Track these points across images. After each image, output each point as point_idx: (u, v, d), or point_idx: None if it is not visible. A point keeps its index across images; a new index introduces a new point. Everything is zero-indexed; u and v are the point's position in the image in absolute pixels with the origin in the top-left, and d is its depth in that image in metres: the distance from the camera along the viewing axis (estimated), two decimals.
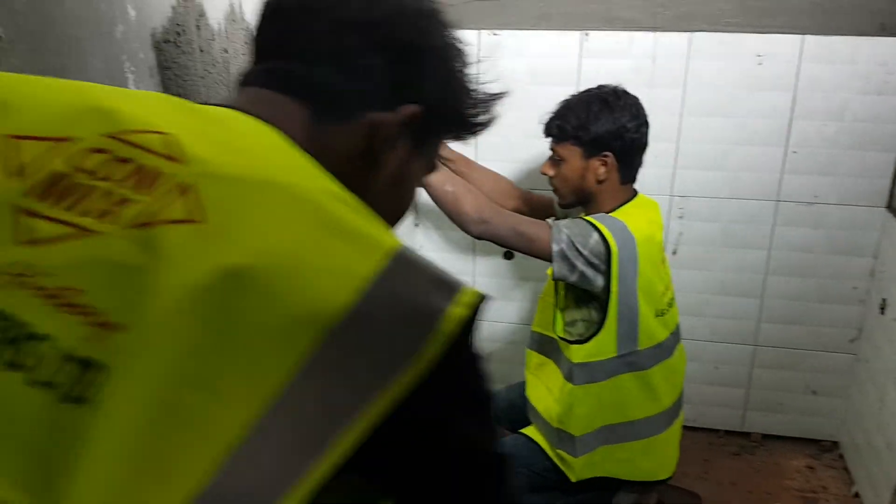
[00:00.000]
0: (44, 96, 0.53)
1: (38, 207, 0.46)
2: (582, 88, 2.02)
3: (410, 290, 0.47)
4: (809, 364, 2.29)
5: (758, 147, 2.10)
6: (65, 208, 0.46)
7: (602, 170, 1.57)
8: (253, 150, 0.53)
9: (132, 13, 0.84)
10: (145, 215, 0.45)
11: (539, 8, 2.09)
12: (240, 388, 0.42)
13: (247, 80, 0.65)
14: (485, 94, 0.70)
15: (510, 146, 2.19)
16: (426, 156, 0.69)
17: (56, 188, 0.47)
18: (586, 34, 2.07)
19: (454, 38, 0.68)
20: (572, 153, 1.60)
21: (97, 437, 0.40)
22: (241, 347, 0.42)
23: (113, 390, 0.40)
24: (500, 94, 0.71)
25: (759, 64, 2.02)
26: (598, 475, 1.64)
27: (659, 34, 2.04)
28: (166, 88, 0.90)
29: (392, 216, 0.68)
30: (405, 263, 0.48)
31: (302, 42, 0.63)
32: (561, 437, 1.61)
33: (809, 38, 1.98)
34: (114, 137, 0.49)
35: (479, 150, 2.21)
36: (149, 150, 0.48)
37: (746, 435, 2.42)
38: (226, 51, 1.04)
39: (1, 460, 0.40)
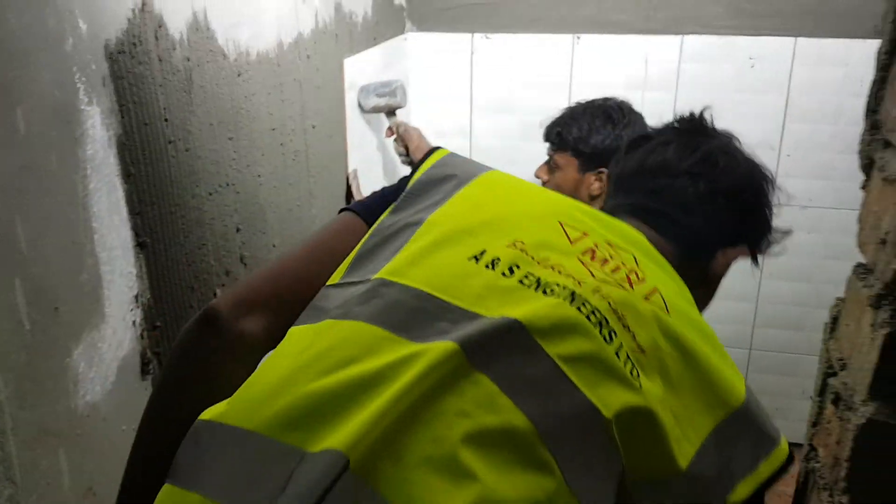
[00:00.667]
0: (561, 197, 0.85)
1: (590, 263, 0.74)
2: (574, 91, 2.03)
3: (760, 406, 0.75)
4: (806, 369, 2.27)
5: (751, 150, 2.08)
6: (604, 269, 0.74)
7: (596, 185, 1.55)
8: (669, 278, 0.81)
9: (83, 26, 0.87)
10: (646, 294, 0.73)
11: (531, 11, 2.10)
12: (691, 424, 0.69)
13: (622, 209, 0.90)
14: (779, 232, 0.99)
15: (504, 149, 2.21)
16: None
17: (593, 256, 0.75)
18: (578, 37, 2.08)
19: (772, 192, 0.96)
20: (569, 163, 1.58)
21: (650, 410, 0.66)
22: (693, 400, 0.70)
23: (646, 388, 0.67)
24: (788, 232, 1.00)
25: (752, 66, 2.01)
26: None
27: (650, 37, 2.04)
28: (121, 97, 0.94)
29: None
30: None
31: (682, 196, 0.89)
32: None
33: (801, 40, 1.97)
34: (609, 243, 0.78)
35: (472, 153, 2.23)
36: (628, 259, 0.78)
37: None
38: (188, 59, 1.07)
39: (586, 374, 0.65)
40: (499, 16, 2.12)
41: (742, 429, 0.72)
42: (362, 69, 1.78)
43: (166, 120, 1.03)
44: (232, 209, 1.24)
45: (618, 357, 0.66)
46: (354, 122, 1.77)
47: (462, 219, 0.77)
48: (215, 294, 1.20)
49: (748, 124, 2.06)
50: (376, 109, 1.80)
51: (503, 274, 0.71)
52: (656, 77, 2.06)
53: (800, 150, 2.06)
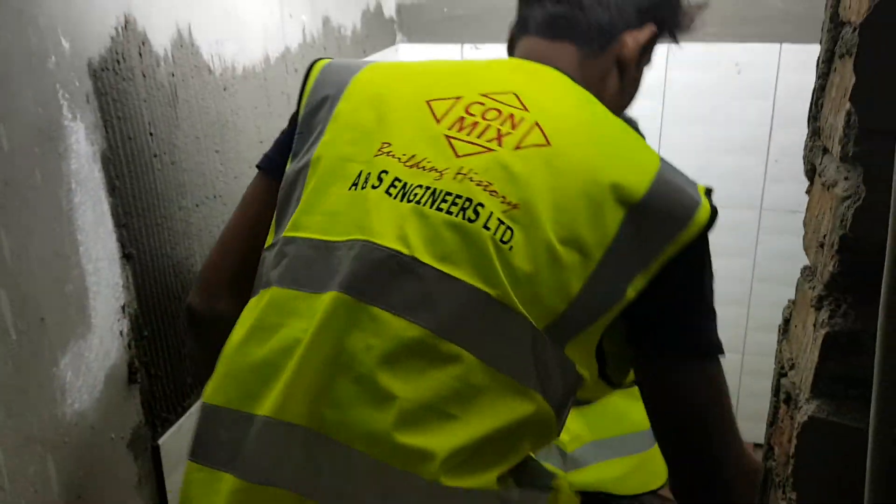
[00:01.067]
0: (435, 69, 0.87)
1: (457, 136, 0.76)
2: None
3: (678, 180, 0.75)
4: None
5: (739, 156, 2.11)
6: (472, 136, 0.76)
7: None
8: (559, 94, 0.82)
9: (66, 45, 0.90)
10: (518, 141, 0.75)
11: None
12: (590, 240, 0.71)
13: (520, 28, 0.92)
14: (693, 7, 0.96)
15: None
16: (650, 56, 0.94)
17: (463, 125, 0.77)
18: None
19: None
20: None
21: (515, 263, 0.70)
22: (588, 217, 0.71)
23: (518, 240, 0.70)
24: (703, 5, 0.97)
25: (738, 73, 2.03)
26: (589, 490, 1.64)
27: None
28: (105, 113, 0.96)
29: (626, 106, 0.96)
30: (668, 164, 0.76)
31: None
32: (551, 452, 1.63)
33: (787, 46, 1.99)
34: (485, 95, 0.79)
35: None
36: (507, 104, 0.78)
37: None
38: (173, 75, 1.10)
39: (463, 262, 0.70)
40: (487, 27, 2.15)
41: (646, 220, 0.72)
42: None
43: (151, 134, 1.06)
44: (220, 220, 1.26)
45: (487, 229, 0.71)
46: None
47: (339, 146, 0.80)
48: None
49: (736, 131, 2.09)
50: None
51: (373, 187, 0.75)
52: (643, 85, 2.08)
53: (787, 155, 2.08)
